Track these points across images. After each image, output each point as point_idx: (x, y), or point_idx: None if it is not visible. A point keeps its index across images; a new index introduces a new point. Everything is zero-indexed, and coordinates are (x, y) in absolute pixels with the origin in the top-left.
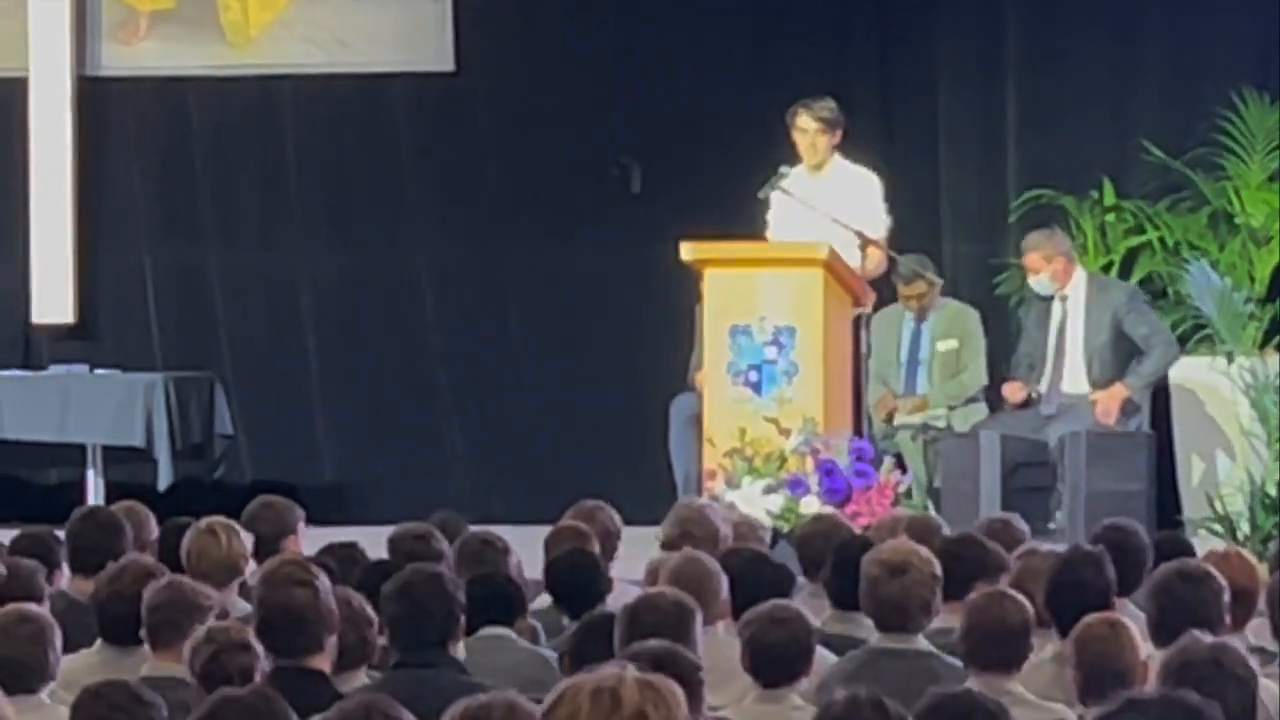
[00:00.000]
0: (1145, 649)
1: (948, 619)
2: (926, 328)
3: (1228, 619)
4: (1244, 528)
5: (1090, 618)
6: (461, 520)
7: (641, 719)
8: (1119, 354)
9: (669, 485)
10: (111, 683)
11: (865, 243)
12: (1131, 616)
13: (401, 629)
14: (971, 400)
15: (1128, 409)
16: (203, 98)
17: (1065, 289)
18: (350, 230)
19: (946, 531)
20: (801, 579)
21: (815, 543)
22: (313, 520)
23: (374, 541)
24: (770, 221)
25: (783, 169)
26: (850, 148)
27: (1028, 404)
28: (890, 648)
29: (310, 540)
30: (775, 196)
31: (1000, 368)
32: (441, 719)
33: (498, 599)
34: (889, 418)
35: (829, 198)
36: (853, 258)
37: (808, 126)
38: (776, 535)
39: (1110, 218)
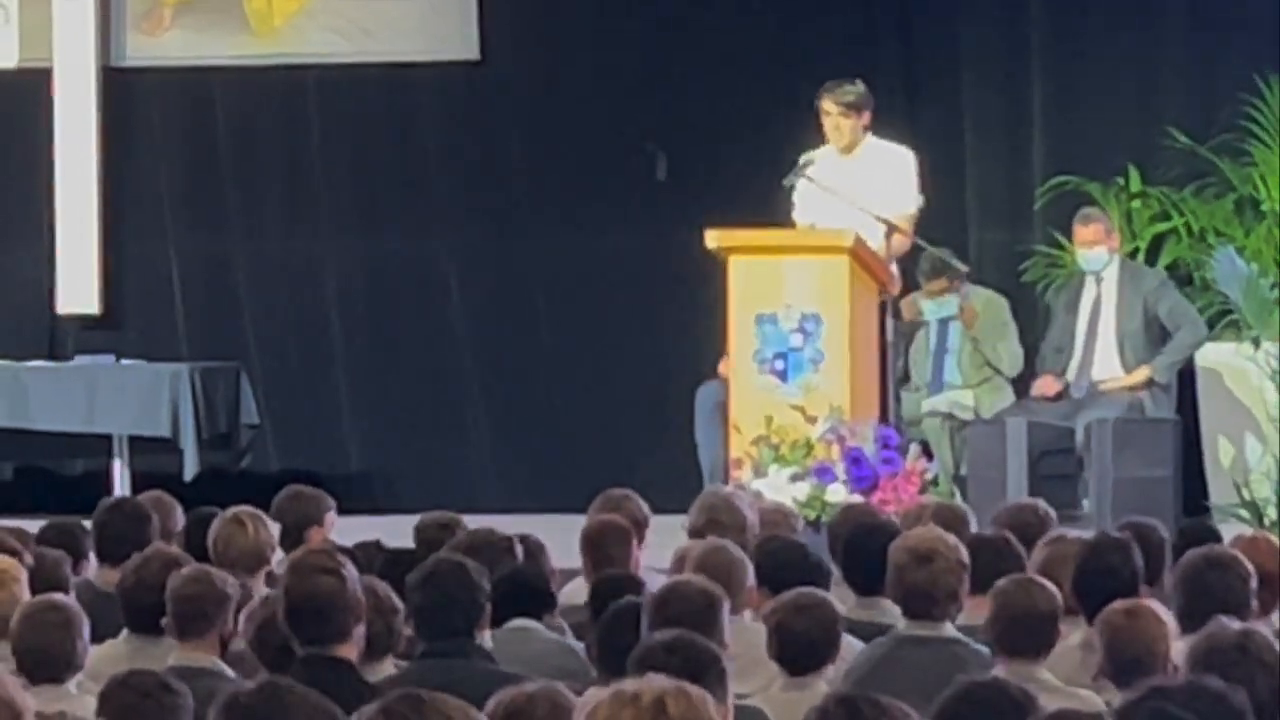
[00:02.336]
0: (1172, 632)
1: (971, 615)
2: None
3: (1255, 604)
4: (1271, 513)
5: (1115, 603)
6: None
7: (659, 708)
8: (1151, 339)
9: (695, 473)
10: (139, 672)
11: (890, 229)
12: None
13: (427, 618)
14: (986, 382)
15: (1152, 394)
16: (227, 88)
17: (1104, 271)
18: (375, 219)
19: (973, 524)
20: (833, 567)
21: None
22: (338, 510)
23: (400, 531)
24: (796, 204)
25: (804, 157)
26: (875, 135)
27: (1060, 397)
28: (917, 635)
29: (337, 530)
30: (801, 182)
31: (1028, 354)
32: (483, 710)
33: (525, 595)
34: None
35: (859, 179)
36: (876, 238)
37: (830, 110)
38: (805, 523)
39: (1136, 204)
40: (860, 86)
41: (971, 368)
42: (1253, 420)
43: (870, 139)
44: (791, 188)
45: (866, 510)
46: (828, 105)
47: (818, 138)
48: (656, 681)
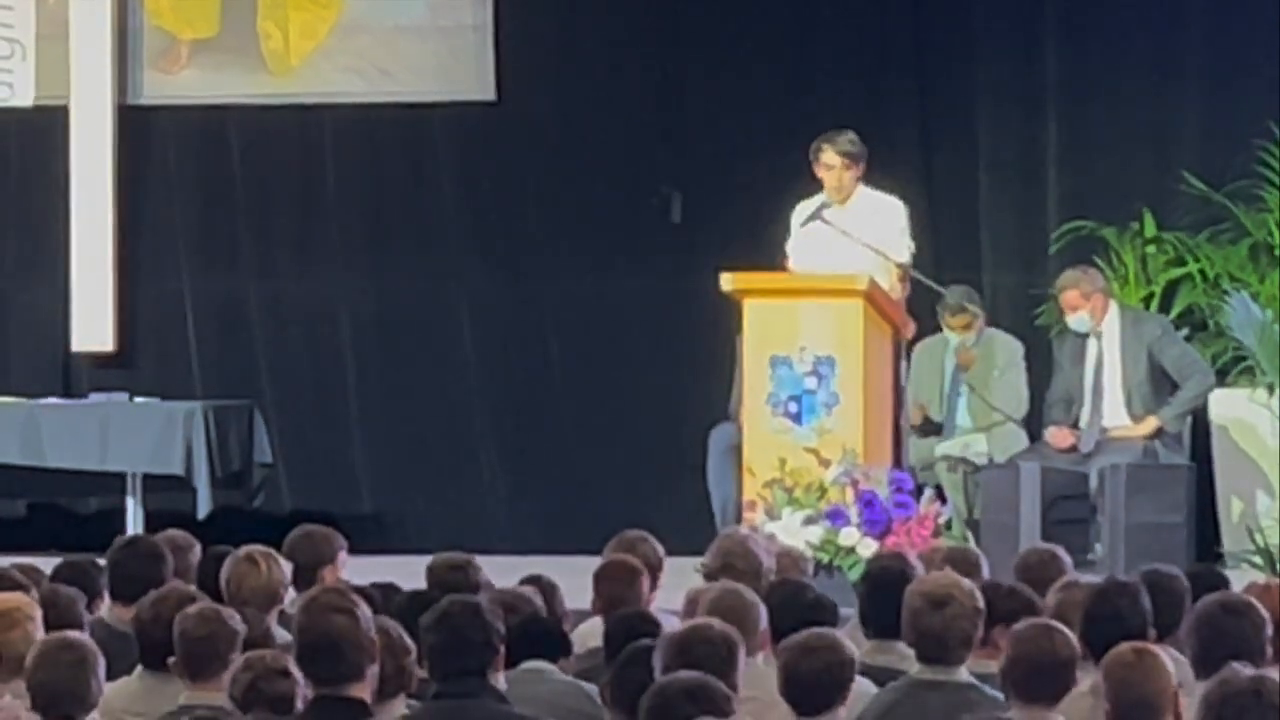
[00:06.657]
0: (1176, 676)
1: (980, 663)
2: None
3: (1269, 651)
4: None
5: (1120, 647)
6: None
7: None
8: (1158, 387)
9: (707, 515)
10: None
11: (903, 272)
12: (1172, 660)
13: (440, 659)
14: (998, 426)
15: (1165, 440)
16: (243, 126)
17: (1100, 325)
18: (390, 259)
19: (986, 569)
20: (849, 610)
21: None
22: (351, 549)
23: (412, 571)
24: (790, 255)
25: (797, 212)
26: (889, 179)
27: (1073, 449)
28: (931, 679)
29: (349, 569)
30: (799, 231)
31: (1039, 400)
32: None
33: (539, 637)
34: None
35: (854, 228)
36: (884, 282)
37: (833, 162)
38: (819, 566)
39: (1151, 249)
40: (854, 135)
41: (979, 410)
42: (1266, 467)
43: (862, 189)
44: (788, 231)
45: (890, 555)
46: (830, 157)
47: (815, 187)
48: None
